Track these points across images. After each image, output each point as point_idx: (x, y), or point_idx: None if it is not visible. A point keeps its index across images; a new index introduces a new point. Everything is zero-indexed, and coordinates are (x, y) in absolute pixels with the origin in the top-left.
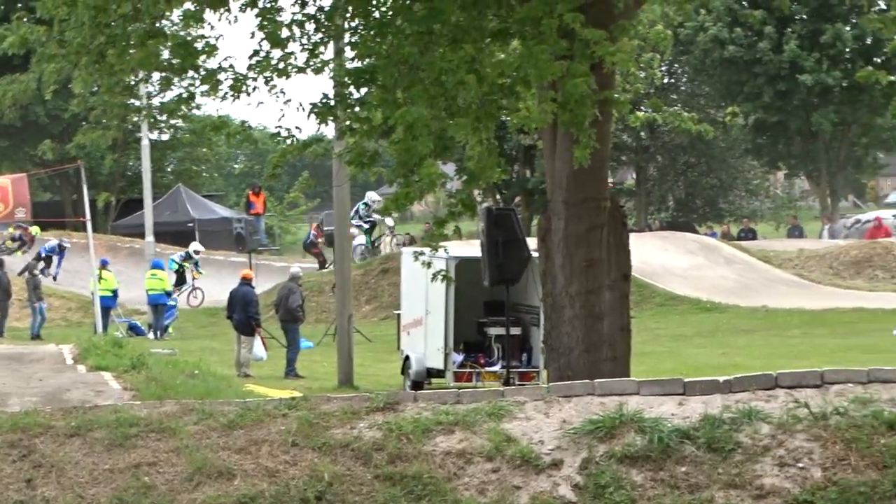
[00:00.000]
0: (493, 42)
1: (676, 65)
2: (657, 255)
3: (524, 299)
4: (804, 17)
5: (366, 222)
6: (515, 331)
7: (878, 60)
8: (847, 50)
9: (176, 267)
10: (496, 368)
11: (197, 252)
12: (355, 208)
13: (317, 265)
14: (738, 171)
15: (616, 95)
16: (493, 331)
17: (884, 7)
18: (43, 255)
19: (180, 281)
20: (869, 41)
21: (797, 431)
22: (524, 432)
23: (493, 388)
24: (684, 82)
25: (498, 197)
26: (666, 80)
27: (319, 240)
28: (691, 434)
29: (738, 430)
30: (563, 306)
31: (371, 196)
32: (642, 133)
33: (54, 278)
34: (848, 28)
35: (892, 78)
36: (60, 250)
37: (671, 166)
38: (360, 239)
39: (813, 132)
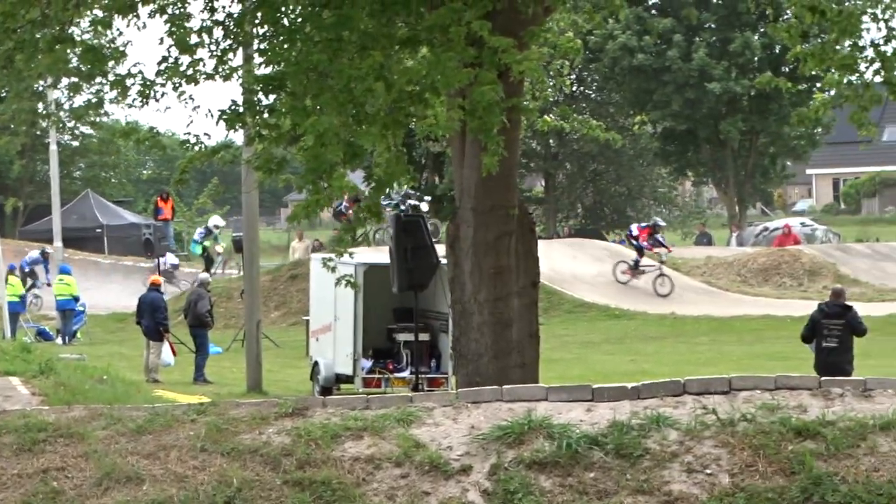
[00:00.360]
0: (402, 49)
1: (586, 73)
2: (566, 263)
3: (433, 306)
4: (713, 25)
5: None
6: (424, 337)
7: (786, 70)
8: (756, 59)
9: (200, 250)
10: (405, 374)
11: (217, 227)
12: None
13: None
14: (647, 178)
15: (525, 103)
16: (402, 337)
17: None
18: (26, 269)
19: (209, 263)
20: (777, 50)
21: (705, 438)
22: (433, 438)
23: (402, 394)
24: (593, 90)
25: (407, 203)
26: (575, 88)
27: (349, 210)
28: (600, 440)
29: (646, 436)
30: (471, 313)
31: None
32: (551, 140)
33: (48, 284)
34: (756, 37)
35: (790, 85)
36: (44, 258)
37: (580, 174)
38: None
39: (721, 140)
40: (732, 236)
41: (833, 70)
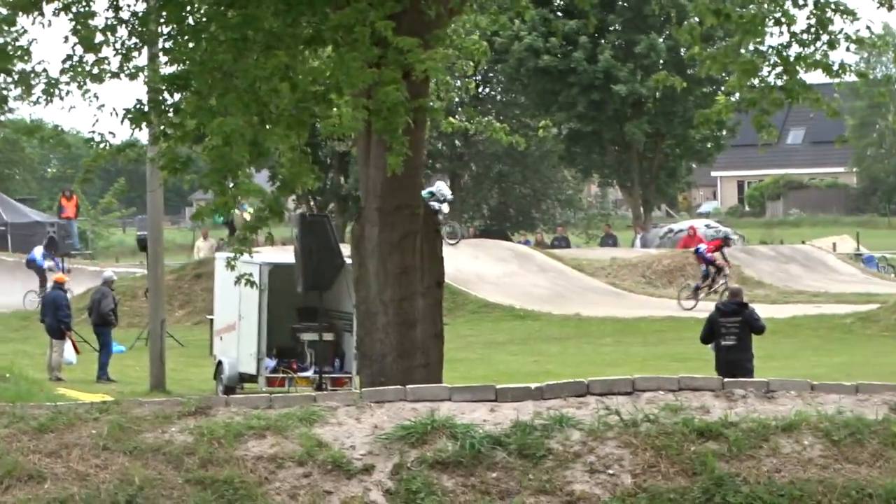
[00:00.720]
0: (307, 49)
1: (491, 74)
2: (471, 263)
3: (338, 305)
4: (619, 27)
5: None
6: (328, 337)
7: (691, 72)
8: (661, 61)
9: (222, 219)
10: (309, 374)
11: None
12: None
13: None
14: (552, 180)
15: (430, 104)
16: (307, 336)
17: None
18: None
19: (232, 230)
20: (682, 52)
21: (608, 438)
22: (336, 437)
23: (306, 394)
24: (499, 91)
25: (312, 203)
26: (481, 90)
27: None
28: (503, 440)
29: (549, 436)
30: (376, 313)
31: (440, 187)
32: (457, 141)
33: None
34: (661, 39)
35: (685, 84)
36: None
37: (485, 175)
38: None
39: (626, 142)
40: (637, 238)
41: (736, 73)
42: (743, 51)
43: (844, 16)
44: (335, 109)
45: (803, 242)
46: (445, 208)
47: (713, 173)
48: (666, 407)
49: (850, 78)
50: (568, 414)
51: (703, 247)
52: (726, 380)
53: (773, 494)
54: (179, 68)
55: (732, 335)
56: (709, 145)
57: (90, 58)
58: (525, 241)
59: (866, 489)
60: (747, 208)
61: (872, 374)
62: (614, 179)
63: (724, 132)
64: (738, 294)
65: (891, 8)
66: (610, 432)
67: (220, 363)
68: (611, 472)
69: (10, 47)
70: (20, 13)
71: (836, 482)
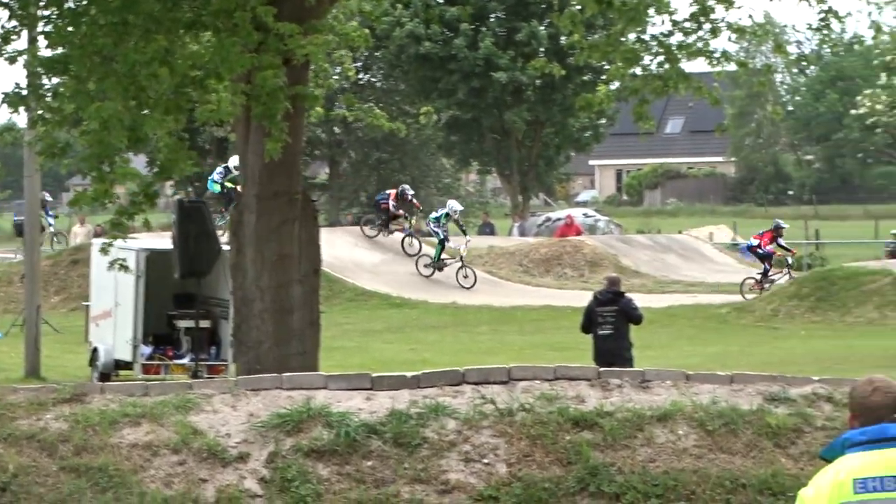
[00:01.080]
0: (187, 34)
1: (371, 61)
2: (348, 251)
3: (215, 292)
4: (500, 15)
5: (443, 232)
6: (205, 324)
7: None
8: (542, 49)
9: (219, 189)
10: (185, 361)
11: (237, 168)
12: (438, 214)
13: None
14: (431, 168)
15: (310, 90)
16: (183, 323)
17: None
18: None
19: (228, 202)
20: (563, 40)
21: (483, 427)
22: (211, 425)
23: (182, 381)
24: (380, 78)
25: (190, 189)
26: (361, 76)
27: (400, 211)
28: (378, 429)
29: (424, 425)
30: (252, 300)
31: (453, 205)
32: (336, 128)
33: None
34: (542, 27)
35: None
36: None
37: (364, 162)
38: (427, 250)
39: (506, 130)
40: (514, 226)
41: (617, 62)
42: (625, 39)
43: (725, 4)
44: (213, 95)
45: (680, 232)
46: (457, 206)
47: (591, 162)
48: (541, 396)
49: (731, 67)
50: (444, 403)
51: (753, 242)
52: (602, 369)
53: (647, 484)
54: (59, 52)
55: (609, 325)
56: (587, 134)
57: None
58: (403, 228)
59: (740, 479)
60: (625, 197)
61: (747, 365)
62: (493, 167)
63: (604, 121)
64: (615, 283)
65: None
66: (485, 421)
67: (95, 350)
68: (486, 461)
69: None
70: None
71: (710, 472)
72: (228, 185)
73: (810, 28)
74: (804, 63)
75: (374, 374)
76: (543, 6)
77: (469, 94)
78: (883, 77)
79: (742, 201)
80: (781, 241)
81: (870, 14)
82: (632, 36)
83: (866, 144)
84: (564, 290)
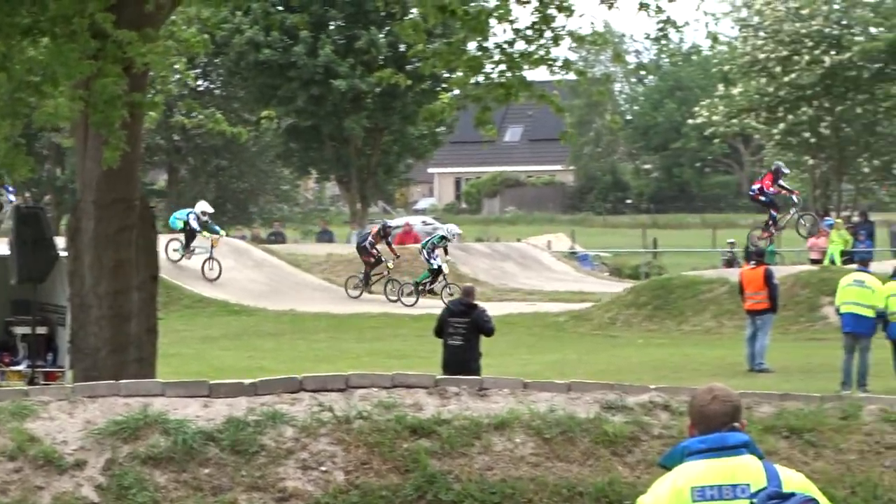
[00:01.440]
0: (24, 39)
1: (211, 67)
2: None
3: (52, 299)
4: (340, 23)
5: (434, 257)
6: (42, 330)
7: (411, 68)
8: (381, 56)
9: (181, 225)
10: (21, 368)
11: (205, 213)
12: (429, 240)
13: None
14: (269, 175)
15: (148, 97)
16: (20, 330)
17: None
18: None
19: (189, 239)
20: (403, 48)
21: (321, 435)
22: (48, 432)
23: (18, 388)
24: (219, 85)
25: (27, 195)
26: (200, 83)
27: (377, 246)
28: (216, 436)
29: (262, 432)
30: (90, 306)
31: (451, 228)
32: (175, 135)
33: None
34: (382, 35)
35: (409, 81)
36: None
37: (203, 169)
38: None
39: (345, 138)
40: (353, 234)
41: (460, 70)
42: (467, 47)
43: (566, 12)
44: (50, 100)
45: (519, 240)
46: (455, 230)
47: (430, 170)
48: (379, 404)
49: (571, 76)
50: (281, 410)
51: (755, 188)
52: (438, 377)
53: (484, 492)
54: None
55: (460, 335)
56: (426, 141)
57: None
58: (241, 235)
59: (577, 487)
60: (464, 205)
61: (584, 373)
62: (332, 175)
63: (443, 128)
64: (469, 294)
65: (611, 6)
66: (323, 429)
67: None
68: (323, 468)
69: None
70: None
71: (547, 480)
72: (194, 225)
73: (648, 38)
74: (643, 72)
75: (212, 382)
76: (383, 14)
77: (308, 101)
78: (720, 87)
79: (580, 210)
80: (783, 182)
81: (707, 24)
82: (473, 44)
83: (704, 154)
84: (404, 297)
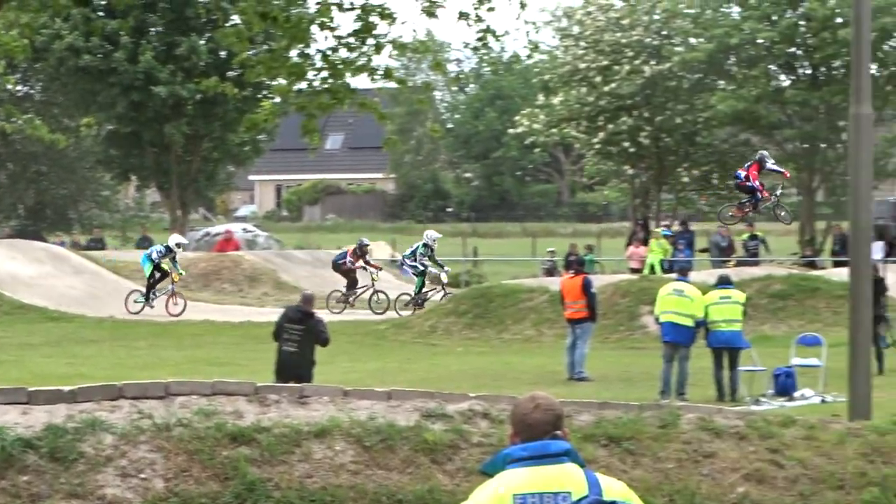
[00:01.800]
0: None
1: (31, 72)
2: (5, 264)
3: None
4: (161, 29)
5: (421, 264)
6: None
7: (233, 75)
8: (202, 63)
9: (150, 269)
10: None
11: (179, 245)
12: (414, 247)
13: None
14: (90, 181)
15: None
16: None
17: (238, 21)
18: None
19: (158, 279)
20: (223, 55)
21: (140, 442)
22: None
23: None
24: (38, 90)
25: None
26: (20, 88)
27: (357, 264)
28: (34, 443)
29: (81, 439)
30: None
31: (431, 235)
32: None
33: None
34: (203, 42)
35: (237, 90)
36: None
37: (22, 175)
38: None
39: (165, 144)
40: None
41: (282, 78)
42: (288, 55)
43: (388, 20)
44: None
45: (339, 248)
46: (444, 276)
47: (251, 177)
48: (199, 411)
49: (392, 84)
50: (101, 417)
51: (741, 174)
52: (259, 384)
53: (304, 500)
54: None
55: (294, 342)
56: (246, 148)
57: None
58: (60, 242)
59: (396, 495)
60: (284, 213)
61: (405, 381)
62: (152, 181)
63: (264, 136)
64: (307, 301)
65: (432, 16)
66: (143, 436)
67: None
68: (143, 476)
69: None
70: None
71: (367, 488)
72: (164, 265)
73: (467, 46)
74: (463, 81)
75: (31, 389)
76: (204, 21)
77: (129, 107)
78: (541, 97)
79: (401, 218)
80: (770, 166)
81: (528, 34)
82: (295, 52)
83: (524, 163)
84: (224, 305)
